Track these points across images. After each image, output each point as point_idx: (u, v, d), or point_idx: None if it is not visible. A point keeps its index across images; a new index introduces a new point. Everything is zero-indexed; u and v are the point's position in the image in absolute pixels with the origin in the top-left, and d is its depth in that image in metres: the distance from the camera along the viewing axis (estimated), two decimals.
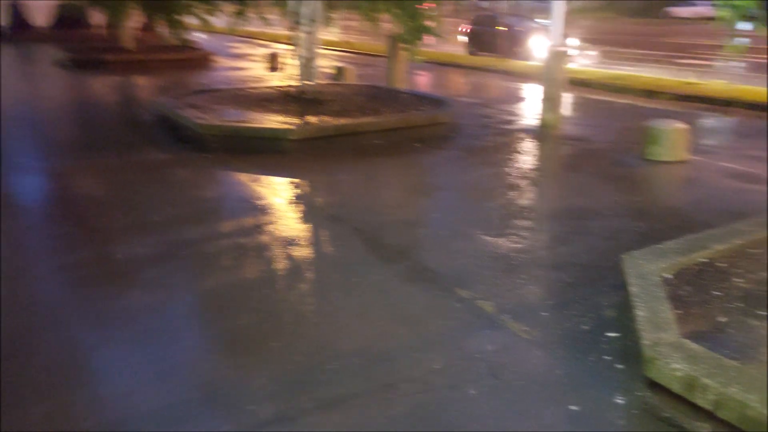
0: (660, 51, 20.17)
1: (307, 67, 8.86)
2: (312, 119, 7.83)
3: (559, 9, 8.22)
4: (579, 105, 11.09)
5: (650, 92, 12.25)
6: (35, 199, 5.59)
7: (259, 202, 5.33)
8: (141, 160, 6.69)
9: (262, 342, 3.15)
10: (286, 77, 13.92)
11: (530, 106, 10.59)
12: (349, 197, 5.61)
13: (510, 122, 9.27)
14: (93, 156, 6.87)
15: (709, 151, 7.28)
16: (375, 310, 3.48)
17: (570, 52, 17.02)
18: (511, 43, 18.59)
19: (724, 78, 13.50)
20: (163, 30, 21.22)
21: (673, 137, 6.74)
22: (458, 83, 14.26)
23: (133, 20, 16.98)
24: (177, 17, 15.91)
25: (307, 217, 5.03)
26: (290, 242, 4.46)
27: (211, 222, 4.87)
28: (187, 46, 17.67)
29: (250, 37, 28.79)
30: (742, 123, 9.40)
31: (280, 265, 4.09)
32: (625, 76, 13.82)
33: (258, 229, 4.72)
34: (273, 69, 15.85)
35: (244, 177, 6.13)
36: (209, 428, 2.51)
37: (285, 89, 9.43)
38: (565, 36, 17.09)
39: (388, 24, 10.94)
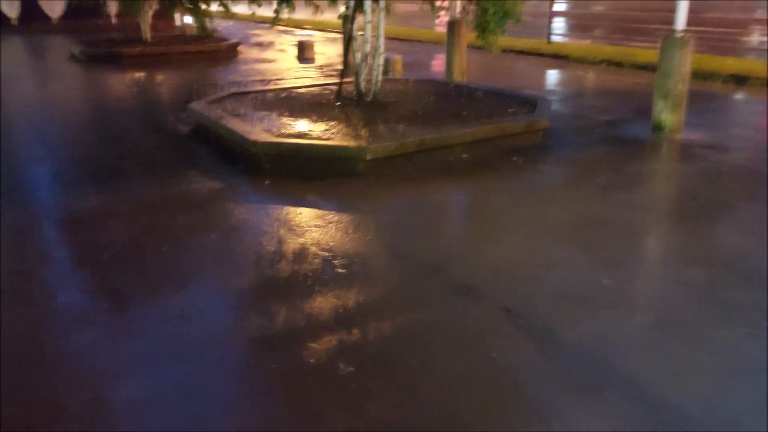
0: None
1: (368, 63, 7.38)
2: (382, 129, 6.39)
3: None
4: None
5: (739, 78, 10.66)
6: (31, 265, 4.19)
7: (349, 262, 3.92)
8: (184, 192, 5.28)
9: None
10: (324, 70, 12.46)
11: (640, 104, 9.05)
12: (469, 248, 4.18)
13: (617, 125, 7.74)
14: (121, 185, 5.47)
15: None
16: None
17: None
18: None
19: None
20: (181, 18, 19.86)
21: None
22: (537, 76, 12.68)
23: (148, 7, 15.50)
24: (200, 4, 14.43)
25: (426, 288, 3.61)
26: (422, 343, 3.05)
27: (295, 300, 3.46)
28: (209, 36, 16.22)
29: (268, 23, 27.27)
30: None
31: (427, 383, 2.68)
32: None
33: (364, 312, 3.31)
34: (305, 60, 14.40)
35: (318, 218, 4.70)
36: None
37: (338, 89, 7.98)
38: None
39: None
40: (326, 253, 4.03)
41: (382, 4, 7.23)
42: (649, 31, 17.91)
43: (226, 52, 15.02)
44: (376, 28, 7.28)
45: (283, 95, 8.29)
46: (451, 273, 3.77)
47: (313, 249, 4.11)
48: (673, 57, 6.84)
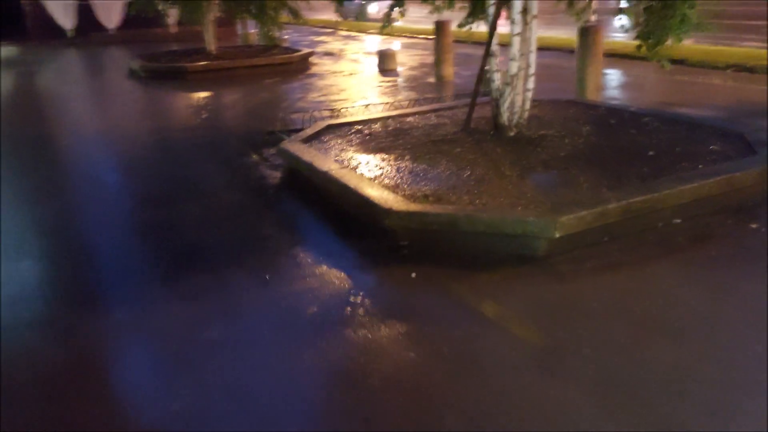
0: None
1: (513, 86, 5.57)
2: (555, 184, 4.60)
3: None
4: None
5: None
6: None
7: None
8: (295, 297, 3.58)
9: None
10: (415, 85, 10.66)
11: None
12: None
13: None
14: (200, 281, 3.83)
15: None
16: None
17: None
18: None
19: None
20: (244, 26, 18.53)
21: None
22: (672, 87, 10.63)
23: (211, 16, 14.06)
24: (270, 13, 12.94)
25: None
26: None
27: None
28: (277, 46, 14.75)
29: (323, 27, 25.80)
30: None
31: None
32: None
33: None
34: (387, 71, 12.69)
35: (533, 362, 2.94)
36: None
37: (468, 119, 6.18)
38: None
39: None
40: None
41: (534, 8, 5.41)
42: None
43: (298, 65, 13.46)
44: (527, 41, 5.47)
45: (392, 127, 6.57)
46: None
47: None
48: None
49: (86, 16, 20.47)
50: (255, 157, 6.48)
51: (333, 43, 19.58)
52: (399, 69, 13.00)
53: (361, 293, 3.60)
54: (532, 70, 5.55)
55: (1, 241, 4.46)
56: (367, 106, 8.01)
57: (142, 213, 5.10)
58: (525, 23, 5.42)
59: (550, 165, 5.05)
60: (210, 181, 5.80)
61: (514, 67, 5.46)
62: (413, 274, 3.76)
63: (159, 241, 4.46)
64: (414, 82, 11.46)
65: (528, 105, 5.68)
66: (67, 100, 10.85)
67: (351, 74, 12.55)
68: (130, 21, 20.04)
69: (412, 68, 13.35)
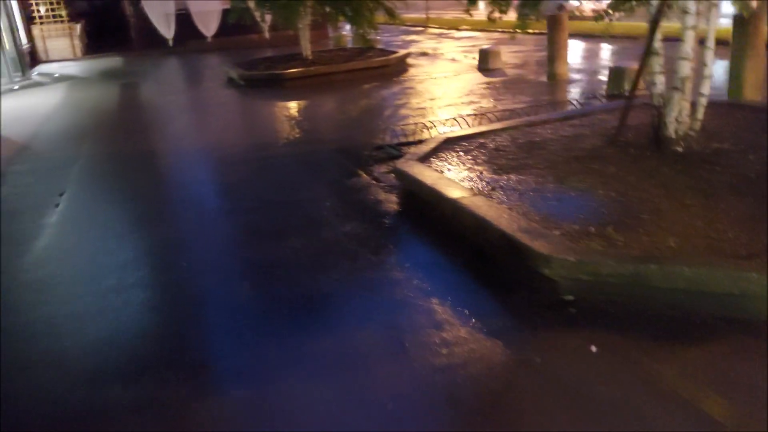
0: None
1: (683, 91, 4.54)
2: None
3: None
4: None
5: None
6: None
7: None
8: (439, 372, 2.80)
9: None
10: (525, 87, 9.63)
11: None
12: None
13: None
14: (318, 337, 3.13)
15: None
16: None
17: None
18: None
19: None
20: (336, 29, 18.12)
21: None
22: None
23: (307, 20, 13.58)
24: (366, 14, 12.29)
25: None
26: None
27: None
28: (373, 48, 14.11)
29: (412, 25, 24.97)
30: None
31: None
32: None
33: None
34: (490, 71, 11.75)
35: None
36: None
37: (618, 129, 5.20)
38: None
39: None
40: None
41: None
42: None
43: (395, 67, 12.75)
44: (695, 38, 4.42)
45: (521, 139, 5.68)
46: None
47: None
48: None
49: (185, 25, 20.73)
50: (365, 176, 5.76)
51: (426, 42, 18.76)
52: (503, 68, 12.03)
53: (529, 375, 2.76)
54: (708, 70, 4.50)
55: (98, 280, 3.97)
56: (483, 113, 7.13)
57: (247, 249, 4.48)
58: (699, 13, 4.38)
59: (742, 191, 4.00)
60: (319, 207, 5.12)
61: (685, 68, 4.43)
62: (593, 347, 2.89)
63: (269, 288, 3.80)
64: (524, 83, 10.45)
65: (701, 114, 4.63)
66: (167, 112, 10.66)
67: (452, 75, 11.69)
68: (226, 28, 20.13)
69: (517, 66, 12.33)
